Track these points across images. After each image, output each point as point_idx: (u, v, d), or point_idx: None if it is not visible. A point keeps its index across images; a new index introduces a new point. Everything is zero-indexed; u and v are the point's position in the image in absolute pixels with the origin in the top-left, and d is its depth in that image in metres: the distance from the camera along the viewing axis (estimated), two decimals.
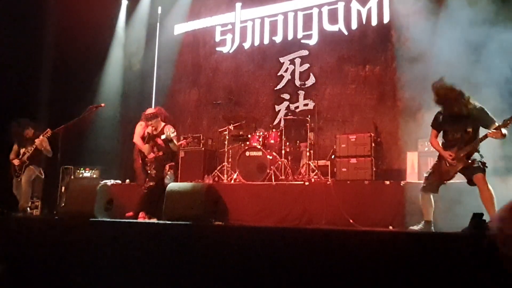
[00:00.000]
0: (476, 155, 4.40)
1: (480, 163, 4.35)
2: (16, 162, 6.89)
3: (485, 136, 4.32)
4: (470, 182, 4.39)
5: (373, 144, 6.37)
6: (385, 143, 7.34)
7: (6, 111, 7.67)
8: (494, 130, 4.26)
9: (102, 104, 6.62)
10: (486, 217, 3.83)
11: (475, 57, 5.62)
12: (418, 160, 6.25)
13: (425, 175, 4.72)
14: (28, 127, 6.99)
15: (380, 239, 3.38)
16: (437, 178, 4.57)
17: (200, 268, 3.80)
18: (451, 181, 4.60)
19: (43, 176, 7.08)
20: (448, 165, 4.49)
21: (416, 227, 4.60)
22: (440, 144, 4.67)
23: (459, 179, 4.60)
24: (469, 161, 4.38)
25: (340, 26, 8.24)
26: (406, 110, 7.08)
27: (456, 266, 2.89)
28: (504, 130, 4.24)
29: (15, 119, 7.07)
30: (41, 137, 6.70)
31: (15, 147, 7.03)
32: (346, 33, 8.19)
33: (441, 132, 4.71)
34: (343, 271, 3.26)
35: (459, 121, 4.48)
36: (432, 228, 4.52)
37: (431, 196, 4.57)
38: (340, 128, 7.46)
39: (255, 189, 6.48)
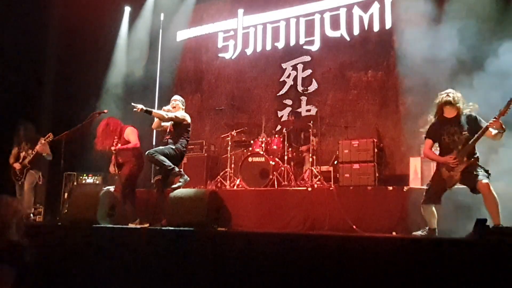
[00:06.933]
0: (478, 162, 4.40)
1: (482, 170, 4.34)
2: (17, 166, 6.79)
3: (486, 128, 4.30)
4: (474, 190, 4.34)
5: (375, 150, 6.36)
6: (387, 149, 7.33)
7: (9, 115, 7.70)
8: (493, 120, 4.25)
9: (105, 110, 6.62)
10: (490, 223, 3.83)
11: (477, 62, 5.62)
12: (421, 166, 6.22)
13: (425, 187, 4.70)
14: (31, 130, 6.98)
15: (383, 245, 3.38)
16: (438, 188, 4.55)
17: (203, 274, 3.79)
18: (454, 186, 4.56)
19: (40, 182, 6.99)
20: (449, 171, 4.47)
21: (420, 233, 4.59)
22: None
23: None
24: (471, 159, 4.37)
25: (342, 32, 8.26)
26: (409, 115, 7.07)
27: (460, 271, 2.88)
28: (503, 125, 4.27)
29: (22, 121, 7.04)
30: (42, 141, 6.65)
31: (15, 150, 6.93)
32: (348, 38, 8.20)
33: (435, 144, 4.73)
34: (346, 277, 3.25)
35: (454, 125, 4.52)
36: (436, 235, 4.49)
37: (433, 208, 4.54)
38: (343, 134, 7.44)
39: (258, 194, 6.48)
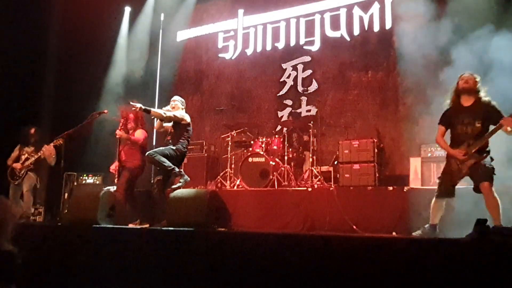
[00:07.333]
0: (487, 159, 4.29)
1: (489, 168, 4.24)
2: (17, 166, 6.79)
3: (500, 126, 4.17)
4: (477, 189, 4.29)
5: (376, 150, 6.36)
6: (388, 149, 7.33)
7: (10, 115, 7.70)
8: (508, 117, 4.12)
9: (105, 111, 6.62)
10: (490, 223, 3.82)
11: (478, 62, 5.61)
12: (421, 166, 6.23)
13: (437, 181, 4.58)
14: (37, 133, 6.99)
15: (383, 245, 3.37)
16: (450, 180, 4.42)
17: (203, 274, 3.79)
18: (455, 186, 4.51)
19: (38, 186, 6.98)
20: (458, 163, 4.35)
21: (419, 231, 4.50)
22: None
23: (463, 184, 4.56)
24: (482, 155, 4.24)
25: (342, 32, 8.26)
26: (409, 115, 7.08)
27: (460, 271, 2.88)
28: None
29: (30, 124, 7.06)
30: (51, 144, 6.63)
31: (15, 153, 6.93)
32: (348, 39, 8.20)
33: (448, 132, 4.57)
34: (346, 277, 3.25)
35: (469, 115, 4.36)
36: (438, 231, 4.42)
37: (444, 203, 4.45)
38: (343, 134, 7.45)
39: (258, 195, 6.48)
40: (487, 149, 4.33)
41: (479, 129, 4.31)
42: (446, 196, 4.45)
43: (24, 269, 2.53)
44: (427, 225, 4.50)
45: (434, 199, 4.49)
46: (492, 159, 4.32)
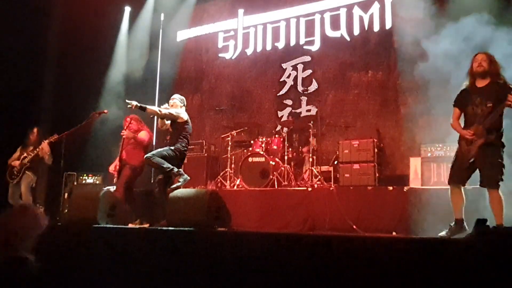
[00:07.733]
0: (497, 144, 4.19)
1: (496, 171, 4.13)
2: (15, 164, 6.80)
3: (504, 105, 4.08)
4: (481, 183, 4.21)
5: (376, 150, 6.36)
6: (388, 149, 7.33)
7: (10, 115, 7.70)
8: None
9: (105, 111, 6.63)
10: (491, 223, 3.82)
11: None
12: (421, 166, 6.22)
13: (450, 165, 4.47)
14: (39, 133, 7.01)
15: (383, 245, 3.37)
16: (460, 164, 4.31)
17: (203, 274, 3.79)
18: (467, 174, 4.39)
19: (33, 185, 6.99)
20: (467, 145, 4.26)
21: (445, 232, 4.28)
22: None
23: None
24: (492, 135, 4.15)
25: (342, 32, 8.27)
26: (409, 115, 7.07)
27: (460, 272, 2.88)
28: None
29: (32, 125, 7.10)
30: (45, 141, 6.65)
31: (17, 154, 6.96)
32: (348, 39, 8.21)
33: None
34: (346, 277, 3.25)
35: (481, 95, 4.27)
36: (466, 226, 4.22)
37: (462, 189, 4.32)
38: (343, 134, 7.46)
39: (258, 195, 6.48)
40: (501, 130, 4.24)
41: (490, 109, 4.21)
42: (458, 181, 4.33)
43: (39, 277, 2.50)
44: (452, 223, 4.31)
45: (450, 188, 4.38)
46: (503, 145, 4.22)
